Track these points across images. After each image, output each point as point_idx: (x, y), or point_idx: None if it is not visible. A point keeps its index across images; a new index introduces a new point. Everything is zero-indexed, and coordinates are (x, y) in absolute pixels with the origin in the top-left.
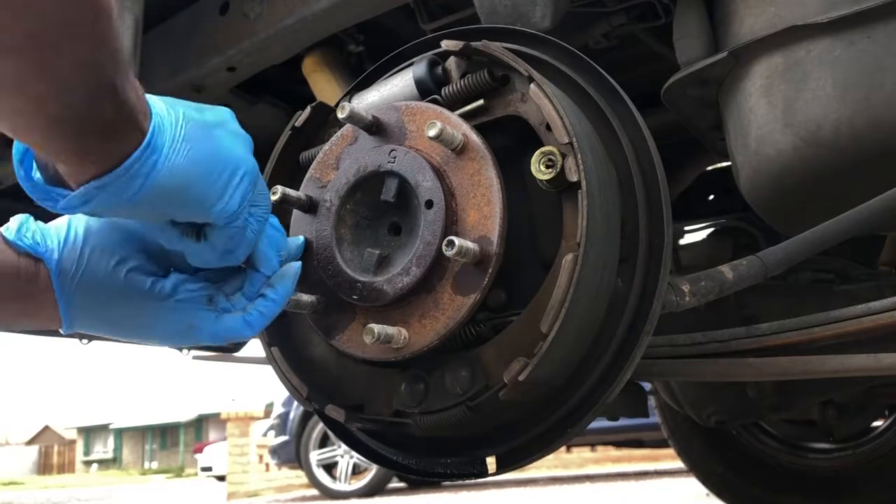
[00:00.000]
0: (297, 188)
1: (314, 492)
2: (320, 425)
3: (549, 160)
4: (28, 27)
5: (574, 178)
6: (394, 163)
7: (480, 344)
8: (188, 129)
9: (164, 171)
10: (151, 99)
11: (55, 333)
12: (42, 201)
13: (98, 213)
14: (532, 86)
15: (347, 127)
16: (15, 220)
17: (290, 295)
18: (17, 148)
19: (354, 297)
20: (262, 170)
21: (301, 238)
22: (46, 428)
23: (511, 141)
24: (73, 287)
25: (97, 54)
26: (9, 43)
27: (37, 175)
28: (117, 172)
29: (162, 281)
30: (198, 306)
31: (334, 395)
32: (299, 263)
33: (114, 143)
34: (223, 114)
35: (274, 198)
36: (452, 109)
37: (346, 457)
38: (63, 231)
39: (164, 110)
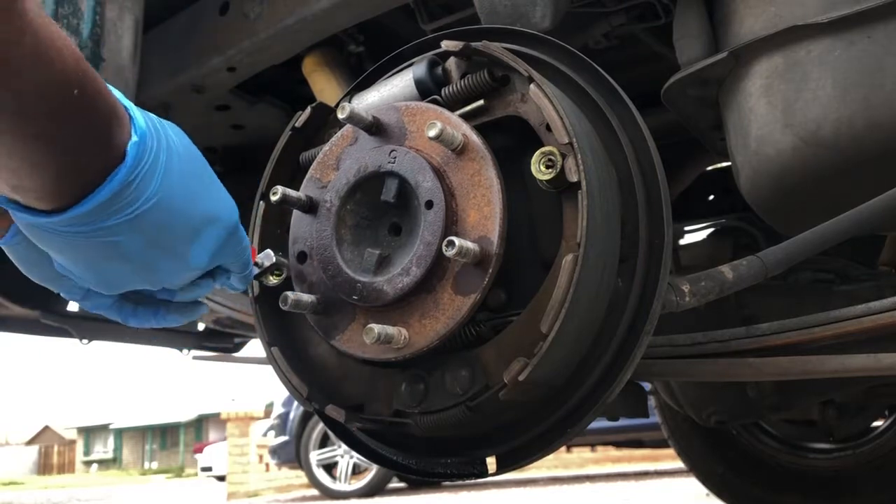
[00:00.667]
0: (297, 188)
1: (314, 492)
2: (320, 425)
3: (549, 160)
4: None
5: (574, 179)
6: (394, 163)
7: (480, 344)
8: (173, 158)
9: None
10: (135, 115)
11: (55, 333)
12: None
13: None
14: (532, 86)
15: (347, 127)
16: None
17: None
18: None
19: (354, 297)
20: (262, 170)
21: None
22: (46, 428)
23: (511, 141)
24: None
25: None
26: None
27: None
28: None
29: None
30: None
31: (334, 395)
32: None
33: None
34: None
35: (274, 198)
36: (452, 110)
37: (346, 457)
38: None
39: (152, 132)
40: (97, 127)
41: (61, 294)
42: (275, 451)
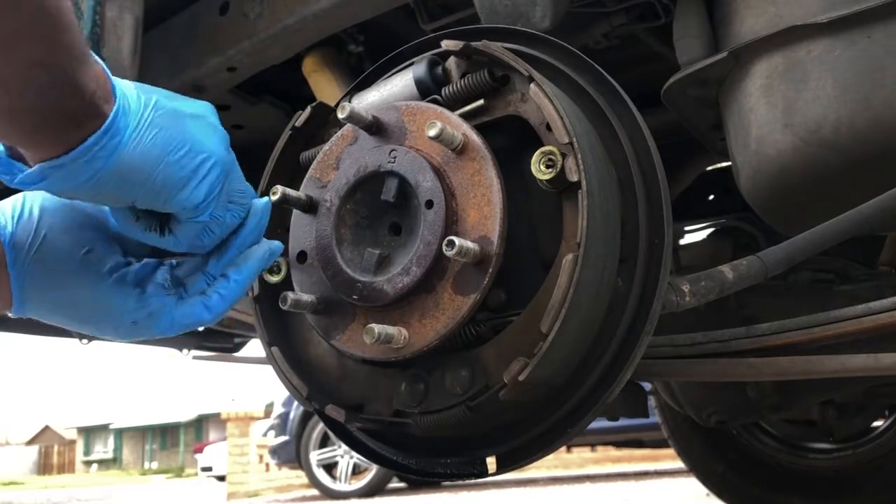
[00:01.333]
0: (297, 188)
1: (314, 492)
2: (320, 425)
3: (550, 160)
4: None
5: (574, 178)
6: (394, 163)
7: (480, 344)
8: (156, 116)
9: (126, 154)
10: (122, 84)
11: (55, 333)
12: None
13: (59, 193)
14: (532, 86)
15: (347, 127)
16: None
17: (253, 278)
18: None
19: (354, 297)
20: (262, 170)
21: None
22: (46, 428)
23: (511, 141)
24: (26, 261)
25: (50, 53)
26: None
27: None
28: (73, 154)
29: (121, 266)
30: (158, 290)
31: (334, 395)
32: (275, 244)
33: (72, 127)
34: (201, 107)
35: (274, 198)
36: (452, 109)
37: (346, 457)
38: (18, 207)
39: (134, 95)
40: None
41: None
42: (275, 451)
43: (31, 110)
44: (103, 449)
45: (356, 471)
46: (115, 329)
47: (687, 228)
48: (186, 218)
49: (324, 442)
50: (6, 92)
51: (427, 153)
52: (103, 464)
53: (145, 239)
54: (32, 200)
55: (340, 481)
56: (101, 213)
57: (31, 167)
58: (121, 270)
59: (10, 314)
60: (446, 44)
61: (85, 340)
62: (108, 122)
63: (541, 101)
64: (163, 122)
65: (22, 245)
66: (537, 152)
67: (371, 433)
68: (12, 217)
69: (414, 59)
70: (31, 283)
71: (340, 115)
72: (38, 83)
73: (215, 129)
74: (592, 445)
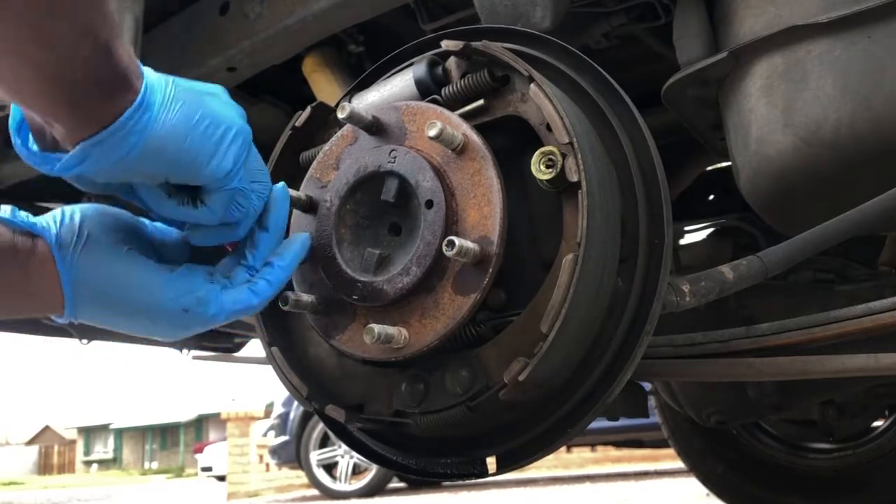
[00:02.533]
0: (297, 188)
1: (314, 492)
2: (320, 425)
3: (550, 160)
4: None
5: (574, 179)
6: (394, 163)
7: (480, 344)
8: (178, 91)
9: (158, 128)
10: (141, 65)
11: (56, 333)
12: (39, 166)
13: (95, 174)
14: (532, 86)
15: (347, 127)
16: (6, 206)
17: (296, 263)
18: (13, 117)
19: (354, 297)
20: None
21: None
22: (46, 428)
23: (511, 141)
24: (74, 258)
25: (92, 18)
26: (7, 10)
27: (33, 145)
28: (112, 128)
29: (163, 259)
30: (203, 277)
31: (334, 395)
32: (305, 235)
33: (109, 102)
34: (214, 87)
35: None
36: (452, 109)
37: (346, 457)
38: (58, 214)
39: (154, 74)
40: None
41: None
42: (275, 451)
43: (72, 80)
44: (103, 449)
45: (356, 471)
46: (168, 320)
47: (687, 228)
48: (217, 187)
49: (324, 442)
50: (56, 60)
51: (427, 153)
52: (103, 464)
53: (180, 215)
54: (72, 209)
55: (340, 481)
56: (136, 221)
57: (66, 153)
58: (163, 260)
59: (60, 320)
60: (446, 44)
61: (85, 340)
62: (139, 97)
63: (541, 101)
64: (185, 97)
65: (67, 245)
66: (537, 152)
67: (371, 433)
68: (55, 222)
69: (414, 59)
70: (81, 280)
71: (340, 115)
72: (84, 52)
73: (230, 104)
74: (592, 445)
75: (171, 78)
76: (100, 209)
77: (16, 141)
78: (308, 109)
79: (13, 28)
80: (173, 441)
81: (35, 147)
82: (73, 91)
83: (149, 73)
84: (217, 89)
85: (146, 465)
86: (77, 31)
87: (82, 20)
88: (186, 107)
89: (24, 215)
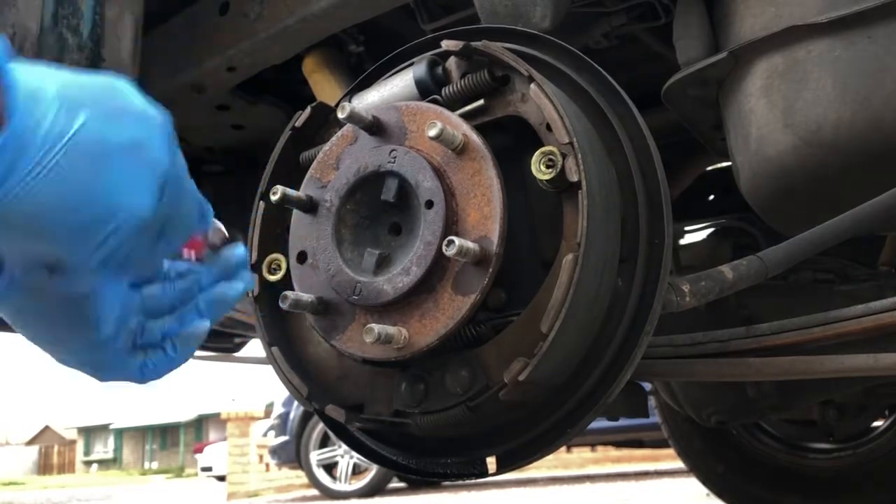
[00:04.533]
0: (297, 188)
1: (314, 492)
2: (320, 425)
3: (550, 160)
4: None
5: (574, 179)
6: (394, 163)
7: (480, 344)
8: (64, 156)
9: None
10: (44, 99)
11: None
12: None
13: None
14: (532, 86)
15: (347, 127)
16: None
17: (186, 359)
18: None
19: (354, 296)
20: (262, 170)
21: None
22: (46, 428)
23: (511, 141)
24: None
25: None
26: None
27: None
28: None
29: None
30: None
31: (334, 395)
32: (207, 326)
33: None
34: (145, 130)
35: (274, 198)
36: (452, 109)
37: (346, 457)
38: None
39: (49, 118)
40: None
41: None
42: (275, 451)
43: None
44: (103, 449)
45: (356, 471)
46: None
47: (687, 228)
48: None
49: (324, 442)
50: None
51: (427, 153)
52: (103, 464)
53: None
54: None
55: (340, 481)
56: None
57: None
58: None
59: None
60: (446, 44)
61: None
62: None
63: (541, 101)
64: (71, 165)
65: None
66: (537, 152)
67: (371, 433)
68: None
69: (414, 60)
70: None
71: (340, 115)
72: None
73: (151, 168)
74: (592, 445)
75: (75, 123)
76: None
77: None
78: (308, 109)
79: None
80: (173, 441)
81: None
82: None
83: (35, 120)
84: (147, 135)
85: (146, 465)
86: None
87: None
88: (65, 183)
89: None
